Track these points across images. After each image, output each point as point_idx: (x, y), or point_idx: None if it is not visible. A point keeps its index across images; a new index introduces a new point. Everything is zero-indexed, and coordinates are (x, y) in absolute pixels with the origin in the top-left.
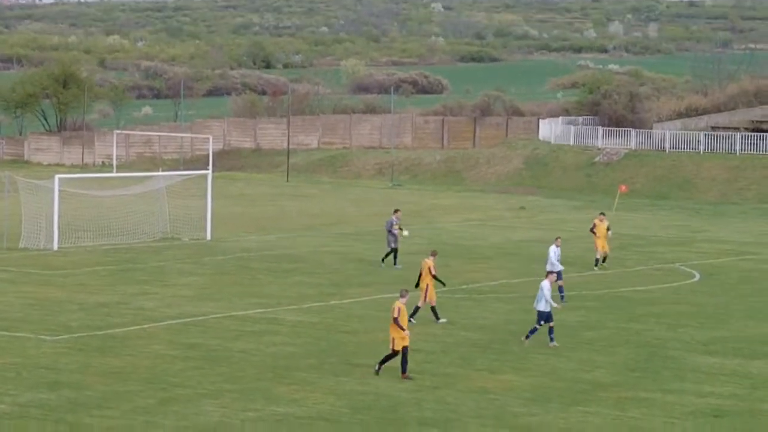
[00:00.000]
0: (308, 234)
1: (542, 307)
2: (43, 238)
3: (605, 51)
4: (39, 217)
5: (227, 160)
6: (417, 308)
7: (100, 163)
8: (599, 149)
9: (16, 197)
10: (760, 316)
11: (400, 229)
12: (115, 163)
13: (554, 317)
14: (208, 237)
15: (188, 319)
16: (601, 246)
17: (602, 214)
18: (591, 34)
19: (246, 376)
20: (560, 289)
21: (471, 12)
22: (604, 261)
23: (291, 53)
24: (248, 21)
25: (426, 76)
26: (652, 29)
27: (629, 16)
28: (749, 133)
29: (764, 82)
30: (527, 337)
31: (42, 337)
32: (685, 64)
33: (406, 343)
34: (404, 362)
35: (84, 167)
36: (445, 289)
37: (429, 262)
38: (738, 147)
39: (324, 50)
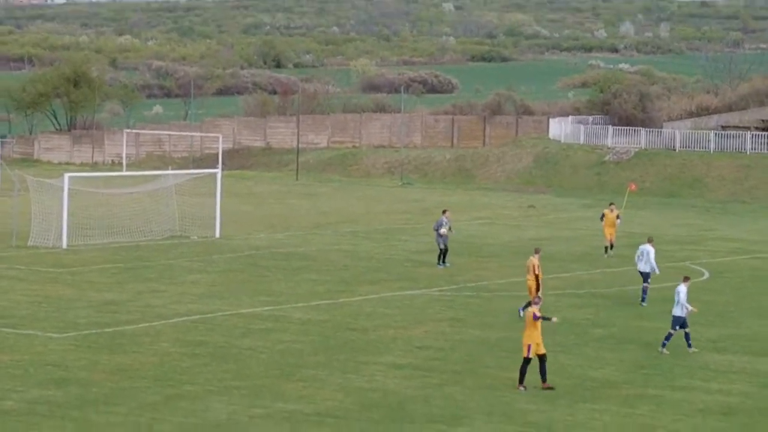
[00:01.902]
0: (317, 232)
1: (678, 311)
2: (52, 236)
3: (616, 51)
4: (48, 215)
5: (237, 158)
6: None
7: (110, 161)
8: (609, 148)
9: (25, 196)
10: None
11: (450, 229)
12: (125, 161)
13: (565, 315)
14: (217, 235)
15: (196, 317)
16: (609, 234)
17: (611, 204)
18: (602, 33)
19: (254, 374)
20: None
21: (482, 12)
22: (611, 248)
23: (301, 53)
24: (259, 21)
25: (436, 76)
26: (664, 29)
27: (640, 16)
28: (760, 133)
29: None
30: (663, 345)
31: (50, 334)
32: (696, 64)
33: (543, 350)
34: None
35: (94, 166)
36: (454, 286)
37: (534, 260)
38: (748, 146)
39: (334, 50)
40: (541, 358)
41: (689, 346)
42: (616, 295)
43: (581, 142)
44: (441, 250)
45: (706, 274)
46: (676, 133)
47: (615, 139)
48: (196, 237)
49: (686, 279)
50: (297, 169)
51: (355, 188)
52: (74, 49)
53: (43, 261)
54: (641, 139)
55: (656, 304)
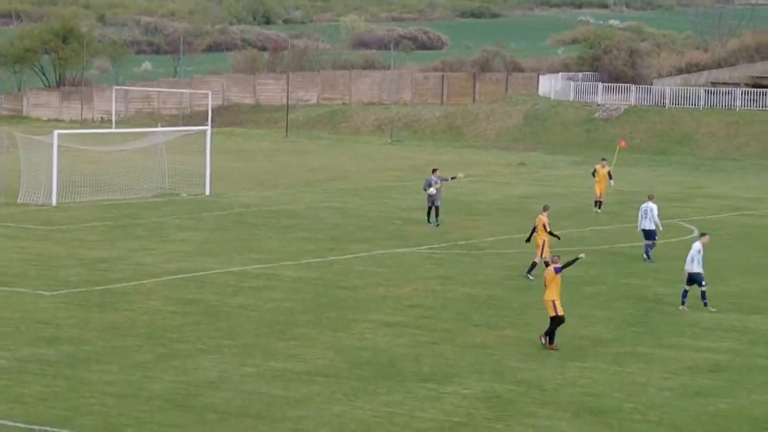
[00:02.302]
0: (307, 190)
1: (694, 269)
2: (42, 193)
3: (606, 6)
4: (38, 172)
5: (226, 115)
6: (534, 264)
7: (99, 118)
8: (599, 105)
9: (14, 153)
10: (759, 272)
11: (453, 178)
12: (114, 118)
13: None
14: (207, 193)
15: (187, 275)
16: (599, 190)
17: (603, 159)
18: None
19: (245, 332)
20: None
21: None
22: (599, 206)
23: (291, 8)
24: None
25: (426, 32)
26: None
27: None
28: (749, 89)
29: (765, 37)
30: (705, 305)
31: (40, 292)
32: (685, 20)
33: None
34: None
35: (83, 123)
36: (444, 244)
37: (543, 218)
38: (738, 103)
39: (324, 6)
40: (558, 319)
41: (705, 305)
42: (606, 253)
43: (571, 99)
44: (429, 207)
45: (696, 232)
46: (666, 89)
47: (605, 96)
48: (185, 194)
49: (703, 235)
50: (287, 127)
51: (345, 146)
52: (62, 5)
53: (33, 218)
54: (631, 95)
55: (644, 262)
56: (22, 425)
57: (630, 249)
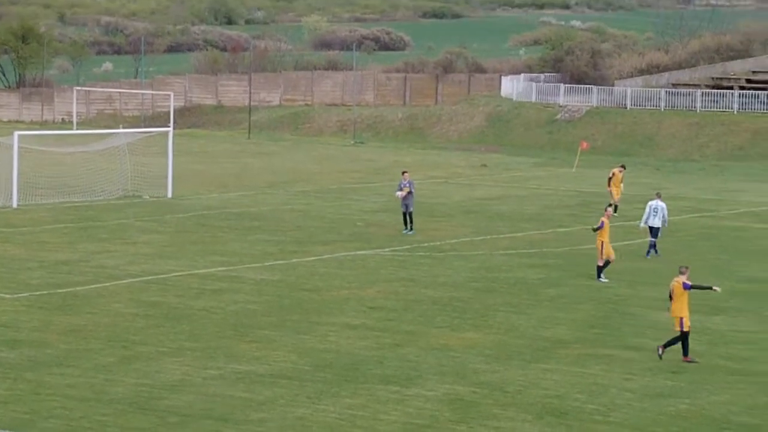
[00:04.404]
0: (270, 191)
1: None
2: (2, 195)
3: (568, 7)
4: None
5: (188, 117)
6: (603, 265)
7: (60, 119)
8: (561, 106)
9: None
10: (719, 273)
11: (401, 189)
12: (75, 119)
13: (517, 274)
14: (169, 195)
15: (149, 277)
16: (617, 194)
17: (622, 165)
18: None
19: (207, 334)
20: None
21: None
22: (615, 210)
23: (253, 9)
24: None
25: (388, 33)
26: None
27: None
28: (710, 90)
29: (725, 39)
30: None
31: (1, 295)
32: (647, 21)
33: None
34: (685, 344)
35: (44, 124)
36: (406, 246)
37: (605, 219)
38: (698, 104)
39: (286, 6)
40: (684, 335)
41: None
42: (569, 255)
43: (533, 100)
44: (403, 213)
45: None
46: (628, 90)
47: (567, 97)
48: (148, 196)
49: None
50: (249, 128)
51: (308, 147)
52: (22, 4)
53: None
54: (593, 97)
55: (616, 262)
56: None
57: (592, 251)
